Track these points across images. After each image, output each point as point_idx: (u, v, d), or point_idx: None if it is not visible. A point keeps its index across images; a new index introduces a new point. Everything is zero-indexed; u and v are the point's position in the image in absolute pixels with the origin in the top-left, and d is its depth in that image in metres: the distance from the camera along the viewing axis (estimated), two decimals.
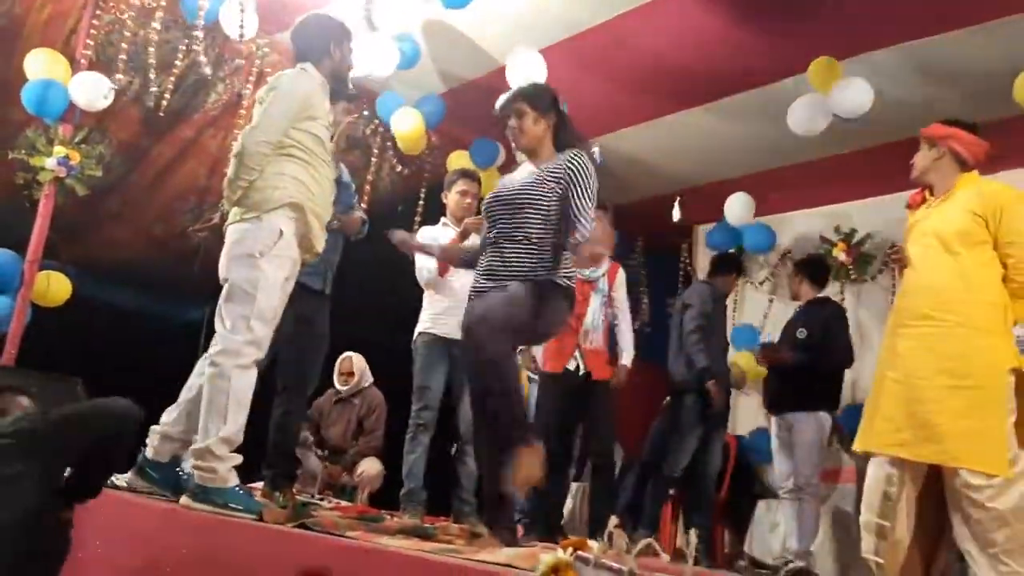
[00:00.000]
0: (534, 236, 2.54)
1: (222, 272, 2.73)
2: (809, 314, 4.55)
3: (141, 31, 4.19)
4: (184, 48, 4.37)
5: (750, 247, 5.75)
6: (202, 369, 2.75)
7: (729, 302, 5.13)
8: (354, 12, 4.28)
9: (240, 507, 2.48)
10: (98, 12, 4.16)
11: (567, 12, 4.22)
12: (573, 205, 2.52)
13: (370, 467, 4.87)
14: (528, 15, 4.28)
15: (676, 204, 4.80)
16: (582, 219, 2.51)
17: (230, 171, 2.71)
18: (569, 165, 2.56)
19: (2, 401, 2.34)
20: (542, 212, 2.55)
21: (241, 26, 4.05)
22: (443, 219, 4.07)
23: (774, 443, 4.52)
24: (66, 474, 2.08)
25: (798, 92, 4.25)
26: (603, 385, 3.95)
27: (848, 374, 4.58)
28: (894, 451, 2.53)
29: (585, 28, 4.29)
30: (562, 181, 2.54)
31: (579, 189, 2.52)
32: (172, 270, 5.28)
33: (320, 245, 2.85)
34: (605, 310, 4.02)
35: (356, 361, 5.21)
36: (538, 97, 2.69)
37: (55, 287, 4.11)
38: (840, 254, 5.30)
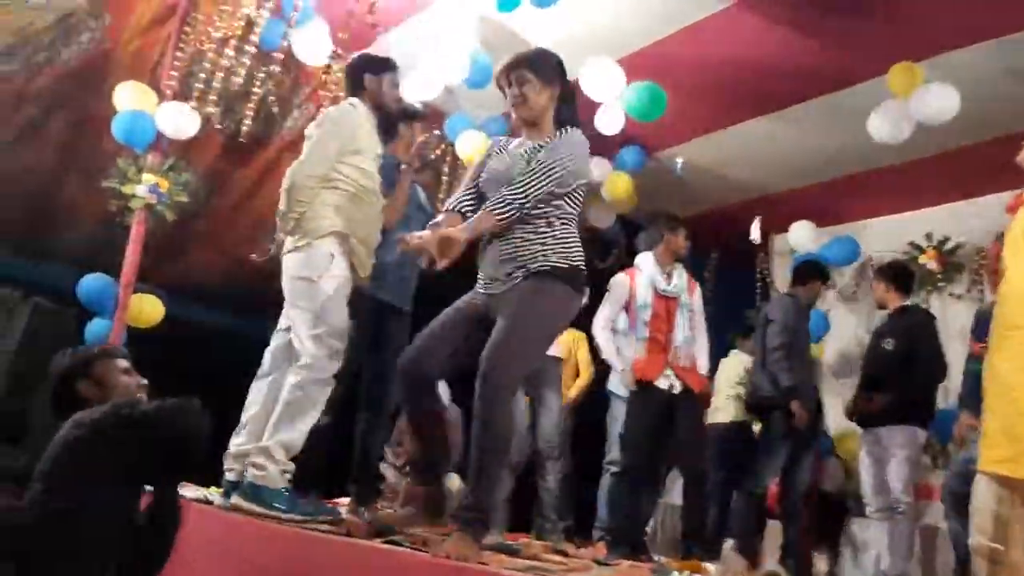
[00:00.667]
0: (533, 214, 2.37)
1: (287, 300, 2.90)
2: (895, 324, 4.37)
3: (221, 61, 4.35)
4: (262, 75, 4.51)
5: (832, 260, 5.55)
6: (260, 388, 2.93)
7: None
8: (421, 32, 4.39)
9: (284, 508, 2.57)
10: (181, 44, 4.33)
11: (637, 25, 4.22)
12: (519, 174, 2.35)
13: (451, 483, 4.90)
14: (598, 29, 4.29)
15: (755, 224, 4.68)
16: (512, 191, 2.33)
17: (281, 204, 2.88)
18: (561, 140, 2.40)
19: (101, 367, 2.20)
20: (543, 197, 2.36)
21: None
22: None
23: (863, 459, 4.34)
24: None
25: (876, 96, 4.13)
26: (693, 398, 3.89)
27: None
28: (995, 468, 2.41)
29: (655, 40, 4.29)
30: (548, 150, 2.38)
31: (543, 161, 2.35)
32: (252, 290, 5.45)
33: (365, 271, 2.99)
34: (692, 322, 3.99)
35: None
36: (543, 64, 2.49)
37: (148, 309, 4.28)
38: (929, 261, 5.10)
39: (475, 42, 4.44)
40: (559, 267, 2.37)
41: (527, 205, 2.35)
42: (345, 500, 3.44)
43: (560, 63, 2.55)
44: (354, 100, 3.01)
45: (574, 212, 2.47)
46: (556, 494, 4.00)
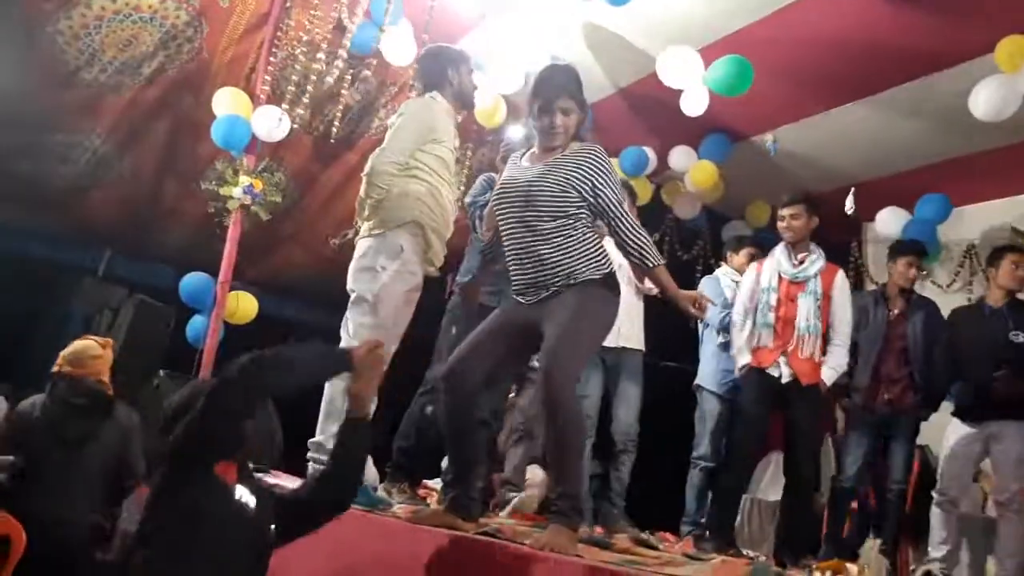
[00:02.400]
0: (554, 228, 2.43)
1: (349, 283, 2.95)
2: (1019, 313, 4.01)
3: (312, 64, 4.49)
4: (349, 78, 4.64)
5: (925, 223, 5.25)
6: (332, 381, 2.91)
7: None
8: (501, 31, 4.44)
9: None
10: (273, 50, 4.50)
11: (718, 11, 4.16)
12: (605, 201, 2.44)
13: (534, 475, 4.94)
14: (682, 17, 4.26)
15: (850, 195, 4.49)
16: (620, 218, 2.46)
17: (361, 190, 2.96)
18: (589, 156, 2.46)
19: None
20: (555, 207, 2.43)
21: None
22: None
23: (955, 450, 4.03)
24: None
25: (977, 75, 3.94)
26: (810, 392, 3.68)
27: None
28: None
29: (745, 24, 4.20)
30: (582, 171, 2.44)
31: (609, 186, 2.45)
32: (340, 285, 5.66)
33: (439, 261, 3.03)
34: (820, 311, 3.74)
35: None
36: (579, 90, 2.54)
37: (244, 306, 4.49)
38: None
39: (556, 36, 4.46)
40: (595, 278, 2.44)
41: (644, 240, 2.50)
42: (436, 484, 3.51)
43: (580, 79, 2.58)
44: (434, 93, 3.09)
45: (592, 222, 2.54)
46: (627, 484, 3.99)
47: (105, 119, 4.79)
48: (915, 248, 4.42)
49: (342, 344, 2.84)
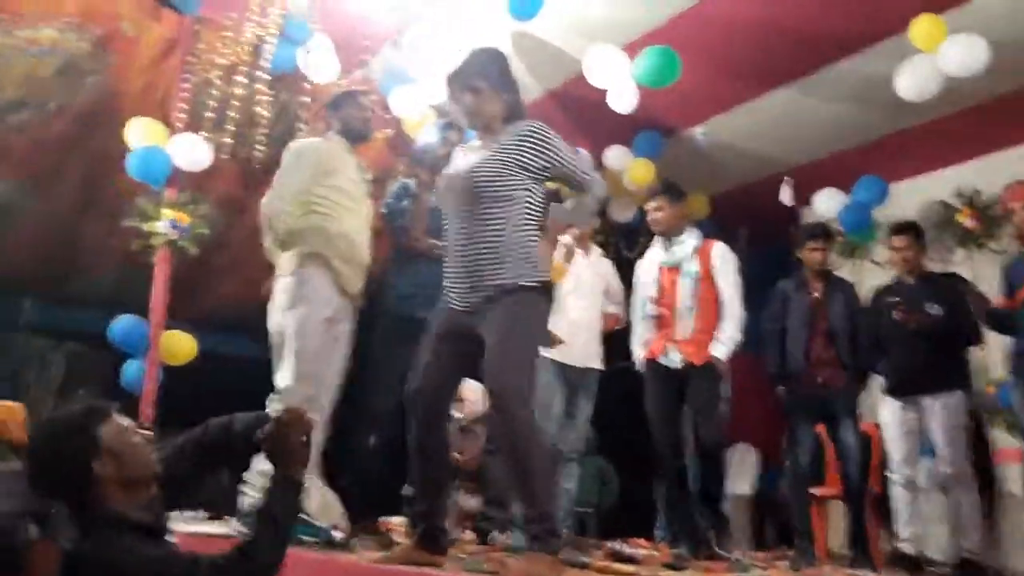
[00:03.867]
0: (498, 216, 2.35)
1: (269, 326, 3.11)
2: (935, 287, 4.10)
3: (229, 88, 4.31)
4: (269, 99, 4.46)
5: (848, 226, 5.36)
6: None
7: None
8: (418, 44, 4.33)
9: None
10: (186, 75, 4.30)
11: (647, 4, 4.13)
12: (569, 170, 2.43)
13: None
14: (603, 17, 4.21)
15: (784, 184, 4.49)
16: (586, 175, 2.46)
17: (263, 238, 3.12)
18: (532, 134, 2.38)
19: (109, 434, 1.82)
20: (499, 191, 2.35)
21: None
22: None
23: (895, 429, 4.07)
24: None
25: (898, 54, 3.98)
26: (704, 370, 3.65)
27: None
28: None
29: (667, 18, 4.18)
30: (528, 148, 2.37)
31: (562, 155, 2.41)
32: None
33: (353, 288, 3.14)
34: (699, 289, 3.72)
35: (465, 389, 5.08)
36: (495, 70, 2.47)
37: (181, 346, 4.26)
38: (965, 220, 4.93)
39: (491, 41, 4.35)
40: (531, 285, 2.36)
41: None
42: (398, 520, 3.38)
43: (505, 61, 2.53)
44: (329, 134, 3.31)
45: (539, 208, 2.45)
46: (573, 496, 4.02)
47: (12, 159, 4.51)
48: (818, 232, 4.41)
49: (279, 383, 2.97)
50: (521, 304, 2.34)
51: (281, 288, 3.08)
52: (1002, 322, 3.90)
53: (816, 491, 4.64)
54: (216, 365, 4.45)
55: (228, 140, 4.17)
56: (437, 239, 3.39)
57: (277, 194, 3.08)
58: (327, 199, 3.10)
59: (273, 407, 2.89)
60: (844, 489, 4.26)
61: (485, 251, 2.36)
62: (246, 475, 2.94)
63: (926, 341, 3.94)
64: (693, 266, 3.75)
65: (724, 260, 3.80)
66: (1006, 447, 4.71)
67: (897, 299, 3.90)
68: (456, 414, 5.03)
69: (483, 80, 2.43)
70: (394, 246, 3.63)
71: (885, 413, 4.13)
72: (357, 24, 4.29)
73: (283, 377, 3.00)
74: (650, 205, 3.84)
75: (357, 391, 3.45)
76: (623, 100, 4.41)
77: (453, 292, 2.44)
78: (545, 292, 2.42)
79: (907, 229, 4.18)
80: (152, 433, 2.06)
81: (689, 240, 3.81)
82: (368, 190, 3.34)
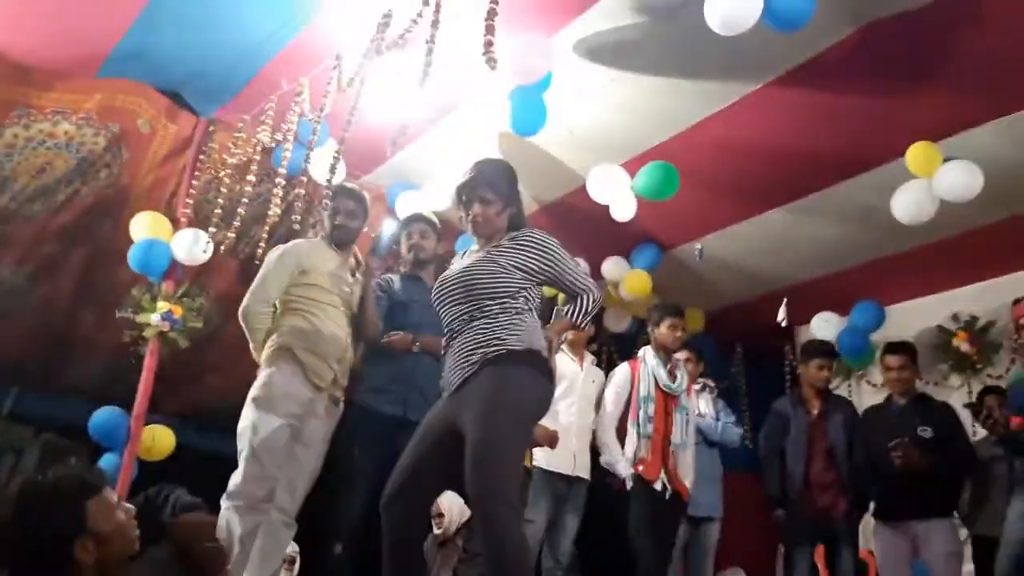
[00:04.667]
0: (494, 310, 2.34)
1: None
2: (925, 410, 4.03)
3: (237, 187, 4.35)
4: (276, 199, 4.50)
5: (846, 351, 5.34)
6: None
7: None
8: (438, 145, 4.41)
9: None
10: (196, 173, 4.36)
11: (639, 127, 4.23)
12: (566, 276, 2.46)
13: None
14: (604, 135, 4.30)
15: (783, 307, 4.55)
16: (582, 280, 2.49)
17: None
18: (531, 238, 2.44)
19: (97, 511, 1.76)
20: (496, 287, 2.36)
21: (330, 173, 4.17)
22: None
23: (886, 557, 3.90)
24: None
25: (894, 179, 4.05)
26: (679, 505, 3.70)
27: None
28: None
29: (667, 138, 4.26)
30: (528, 253, 2.41)
31: (560, 260, 2.45)
32: None
33: (324, 379, 3.14)
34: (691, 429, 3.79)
35: (443, 502, 4.88)
36: (501, 181, 2.53)
37: (160, 441, 4.13)
38: (962, 344, 4.90)
39: (494, 153, 4.45)
40: (518, 349, 2.27)
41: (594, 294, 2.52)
42: None
43: (513, 174, 2.59)
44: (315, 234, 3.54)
45: (535, 306, 2.46)
46: None
47: (16, 248, 4.50)
48: (824, 349, 4.43)
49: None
50: (504, 371, 2.24)
51: (253, 384, 3.14)
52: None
53: None
54: (195, 461, 4.30)
55: (231, 235, 4.16)
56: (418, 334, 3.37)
57: (254, 296, 3.21)
58: (303, 297, 3.21)
59: (224, 506, 2.94)
60: None
61: (478, 333, 2.32)
62: None
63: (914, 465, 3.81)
64: (686, 401, 3.82)
65: (697, 402, 4.05)
66: None
67: (896, 441, 3.80)
68: (434, 529, 4.85)
69: (492, 191, 2.49)
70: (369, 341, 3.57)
71: (877, 539, 3.98)
72: (364, 132, 4.37)
73: (234, 475, 2.98)
74: (670, 323, 3.93)
75: (323, 493, 3.32)
76: (624, 210, 4.46)
77: (445, 382, 2.39)
78: (536, 361, 2.30)
79: (902, 348, 4.15)
80: (134, 507, 1.89)
81: (685, 374, 3.91)
82: (351, 289, 3.38)
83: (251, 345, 3.24)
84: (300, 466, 3.10)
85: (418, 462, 2.31)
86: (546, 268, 2.42)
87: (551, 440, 3.59)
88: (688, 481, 3.76)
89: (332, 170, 4.06)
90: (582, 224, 4.92)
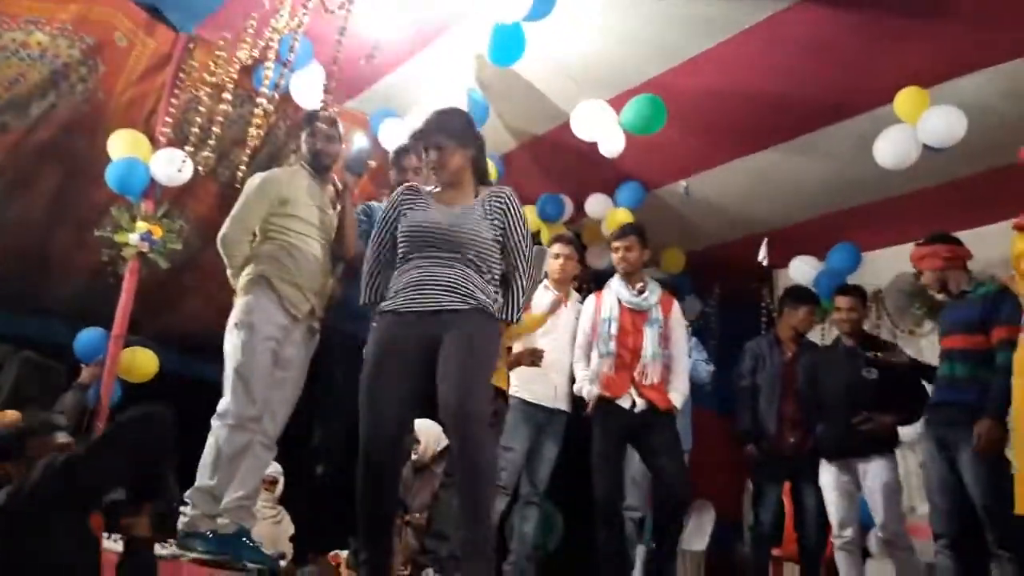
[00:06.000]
0: (482, 268, 2.51)
1: None
2: (871, 349, 4.09)
3: (218, 107, 4.22)
4: (257, 121, 4.37)
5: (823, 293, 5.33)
6: None
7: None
8: (418, 73, 4.29)
9: (199, 550, 2.84)
10: (176, 91, 4.21)
11: (628, 61, 4.11)
12: (521, 256, 2.57)
13: None
14: (594, 66, 4.18)
15: (763, 246, 4.53)
16: (527, 268, 2.58)
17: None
18: (506, 206, 2.57)
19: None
20: (489, 250, 2.52)
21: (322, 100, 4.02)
22: (544, 282, 4.09)
23: (832, 493, 4.00)
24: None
25: (879, 125, 4.00)
26: (666, 417, 3.60)
27: None
28: None
29: (657, 73, 4.16)
30: (499, 219, 2.55)
31: (524, 233, 2.59)
32: None
33: (301, 309, 3.14)
34: (663, 343, 3.71)
35: (419, 428, 4.90)
36: (455, 126, 2.60)
37: (141, 362, 4.09)
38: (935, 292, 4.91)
39: (472, 82, 4.33)
40: (489, 311, 2.48)
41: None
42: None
43: (470, 121, 2.68)
44: (291, 160, 3.39)
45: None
46: (529, 541, 4.02)
47: None
48: (816, 298, 4.55)
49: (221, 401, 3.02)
50: (481, 324, 2.44)
51: (233, 309, 3.15)
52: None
53: (775, 552, 4.55)
54: (176, 384, 4.26)
55: (211, 157, 4.05)
56: None
57: (234, 224, 3.17)
58: (282, 226, 3.16)
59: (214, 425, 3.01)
60: (800, 551, 4.18)
61: (470, 278, 2.46)
62: (185, 495, 2.96)
63: (859, 406, 3.91)
64: (659, 315, 3.72)
65: (680, 315, 3.85)
66: None
67: (860, 418, 3.90)
68: (412, 455, 4.89)
69: (446, 137, 2.56)
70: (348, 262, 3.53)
71: (824, 477, 4.06)
72: (351, 53, 4.23)
73: (224, 397, 3.01)
74: (619, 244, 3.81)
75: (306, 417, 3.36)
76: (611, 145, 4.37)
77: (410, 298, 2.45)
78: (496, 323, 2.52)
79: (851, 291, 4.23)
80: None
81: (656, 287, 3.81)
82: (330, 218, 3.33)
83: (228, 272, 3.22)
84: (280, 391, 3.13)
85: (393, 393, 2.39)
86: (510, 234, 2.57)
87: (535, 356, 3.57)
88: (675, 394, 3.65)
89: (325, 90, 3.97)
90: (566, 160, 4.86)
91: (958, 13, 3.42)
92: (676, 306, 3.84)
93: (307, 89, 4.24)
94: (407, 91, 4.40)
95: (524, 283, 2.59)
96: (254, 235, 3.20)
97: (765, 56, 3.87)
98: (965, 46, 3.63)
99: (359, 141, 3.96)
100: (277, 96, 4.15)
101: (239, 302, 3.13)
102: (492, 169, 4.80)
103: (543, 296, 4.04)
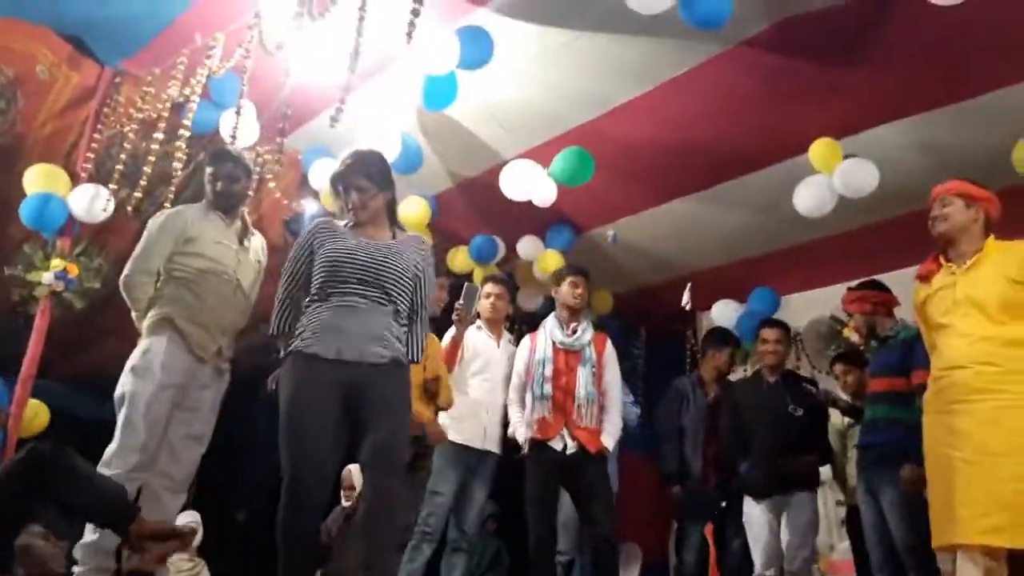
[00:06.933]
0: (398, 309, 2.57)
1: None
2: (797, 388, 4.13)
3: (143, 143, 4.06)
4: (183, 158, 4.22)
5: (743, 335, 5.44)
6: None
7: None
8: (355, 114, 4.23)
9: None
10: (99, 127, 4.05)
11: (559, 108, 4.16)
12: (425, 295, 2.67)
13: None
14: (523, 114, 4.23)
15: (687, 291, 4.61)
16: (424, 312, 2.67)
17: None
18: (427, 252, 2.71)
19: None
20: (404, 284, 2.59)
21: (232, 136, 3.93)
22: (476, 322, 4.08)
23: (757, 529, 3.99)
24: None
25: (796, 174, 4.13)
26: (597, 460, 3.58)
27: None
28: (989, 540, 2.24)
29: (578, 124, 4.22)
30: (420, 263, 2.66)
31: (430, 282, 2.70)
32: None
33: (207, 351, 3.03)
34: (597, 383, 3.70)
35: (356, 474, 4.73)
36: (376, 170, 2.69)
37: (33, 416, 3.85)
38: (852, 334, 5.07)
39: (407, 123, 4.30)
40: (404, 363, 2.56)
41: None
42: None
43: (387, 163, 2.77)
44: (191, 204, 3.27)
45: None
46: None
47: None
48: (738, 340, 4.67)
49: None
50: (403, 376, 2.53)
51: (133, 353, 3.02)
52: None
53: None
54: (85, 428, 4.00)
55: (138, 195, 3.87)
56: None
57: (136, 264, 3.06)
58: (186, 266, 3.06)
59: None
60: None
61: (388, 325, 2.51)
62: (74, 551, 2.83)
63: (786, 443, 3.95)
64: (592, 354, 3.70)
65: (614, 355, 3.84)
66: None
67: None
68: (344, 502, 4.71)
69: (368, 179, 2.64)
70: None
71: (748, 515, 4.05)
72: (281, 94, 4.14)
73: (111, 444, 2.89)
74: (575, 279, 3.83)
75: (224, 460, 3.21)
76: (543, 196, 4.41)
77: (328, 344, 2.43)
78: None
79: (778, 324, 4.27)
80: None
81: (588, 327, 3.80)
82: (238, 256, 3.19)
83: (133, 314, 3.10)
84: (185, 433, 3.02)
85: (323, 434, 2.38)
86: (426, 280, 2.68)
87: (443, 440, 3.67)
88: (607, 436, 3.62)
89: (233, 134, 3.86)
90: (499, 202, 4.83)
91: (872, 65, 3.57)
92: (609, 345, 3.84)
93: (237, 127, 4.12)
94: (342, 132, 4.30)
95: (425, 325, 2.70)
96: (159, 275, 3.07)
97: (689, 105, 3.96)
98: (878, 99, 3.78)
99: (311, 208, 3.90)
100: (207, 136, 4.05)
101: (140, 345, 3.01)
102: (426, 208, 4.81)
103: (477, 339, 4.01)
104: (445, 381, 3.65)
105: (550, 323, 3.81)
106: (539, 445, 3.57)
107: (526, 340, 3.89)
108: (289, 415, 2.40)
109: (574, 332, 3.74)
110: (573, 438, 3.55)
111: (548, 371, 3.64)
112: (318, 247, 2.59)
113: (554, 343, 3.71)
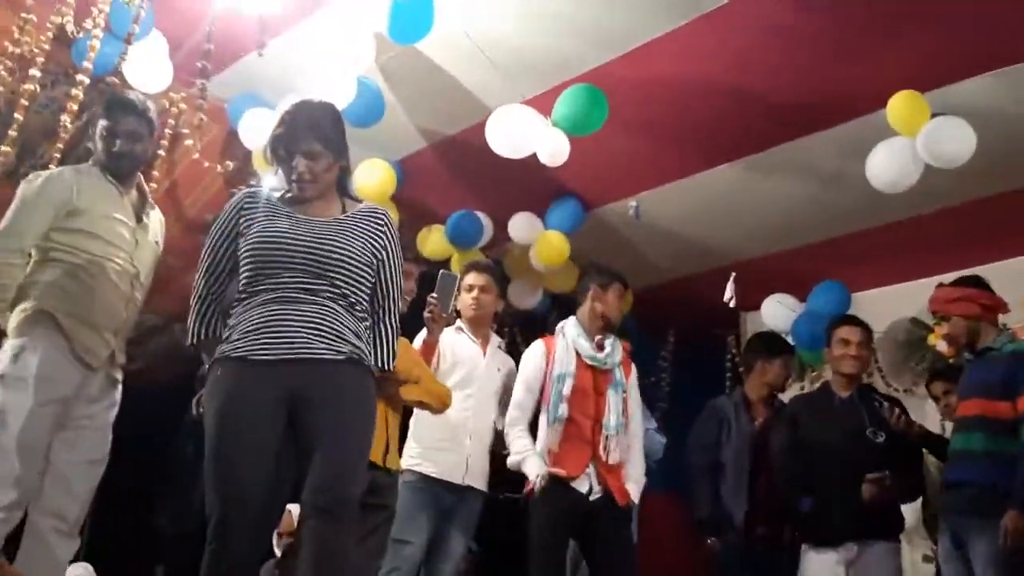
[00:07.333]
0: (357, 303, 2.56)
1: None
2: (876, 407, 4.04)
3: (21, 86, 4.03)
4: (73, 105, 4.20)
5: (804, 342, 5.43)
6: None
7: None
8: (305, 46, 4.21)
9: None
10: None
11: (565, 47, 4.13)
12: (389, 284, 2.65)
13: None
14: (521, 54, 4.19)
15: (730, 282, 4.60)
16: (393, 306, 2.67)
17: None
18: (387, 229, 2.66)
19: None
20: (355, 271, 2.55)
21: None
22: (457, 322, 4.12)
23: None
24: None
25: (872, 136, 4.09)
26: (616, 507, 3.62)
27: None
28: None
29: (590, 68, 4.18)
30: (378, 243, 2.62)
31: (395, 267, 2.66)
32: None
33: (98, 358, 3.03)
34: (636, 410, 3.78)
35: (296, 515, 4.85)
36: (334, 132, 2.64)
37: None
38: (938, 342, 5.05)
39: (365, 64, 4.26)
40: (368, 364, 2.55)
41: None
42: None
43: (341, 119, 2.73)
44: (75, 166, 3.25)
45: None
46: None
47: None
48: (791, 349, 4.63)
49: None
50: (364, 381, 2.50)
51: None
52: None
53: None
54: None
55: (6, 148, 3.85)
56: None
57: (3, 241, 2.99)
58: (71, 246, 3.02)
59: None
60: None
61: (326, 316, 2.46)
62: None
63: (860, 477, 3.85)
64: (622, 377, 3.75)
65: (635, 375, 3.89)
66: None
67: (876, 476, 3.84)
68: (276, 551, 4.74)
69: (320, 142, 2.57)
70: None
71: (807, 570, 3.99)
72: (204, 24, 4.13)
73: None
74: (617, 290, 3.88)
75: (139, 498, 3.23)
76: (549, 152, 4.31)
77: (263, 342, 2.42)
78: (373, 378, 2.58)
79: (860, 322, 4.20)
80: None
81: (616, 344, 3.82)
82: (134, 237, 3.20)
83: None
84: (76, 458, 3.02)
85: (262, 458, 2.38)
86: (389, 265, 2.64)
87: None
88: (632, 484, 3.69)
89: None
90: (486, 168, 4.82)
91: (959, 7, 3.51)
92: (634, 370, 3.89)
93: (145, 66, 4.11)
94: (280, 73, 4.29)
95: (396, 325, 2.68)
96: (30, 255, 3.04)
97: (729, 46, 3.93)
98: (982, 38, 3.69)
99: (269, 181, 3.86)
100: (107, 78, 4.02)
101: (8, 347, 2.96)
102: (390, 176, 4.79)
103: (459, 344, 4.04)
104: (428, 379, 3.62)
105: (572, 330, 3.82)
106: (558, 484, 3.57)
107: (537, 346, 3.90)
108: (216, 439, 2.38)
109: (601, 347, 3.77)
110: (600, 481, 3.60)
111: (567, 389, 3.65)
112: (244, 228, 2.55)
113: (578, 354, 3.72)
